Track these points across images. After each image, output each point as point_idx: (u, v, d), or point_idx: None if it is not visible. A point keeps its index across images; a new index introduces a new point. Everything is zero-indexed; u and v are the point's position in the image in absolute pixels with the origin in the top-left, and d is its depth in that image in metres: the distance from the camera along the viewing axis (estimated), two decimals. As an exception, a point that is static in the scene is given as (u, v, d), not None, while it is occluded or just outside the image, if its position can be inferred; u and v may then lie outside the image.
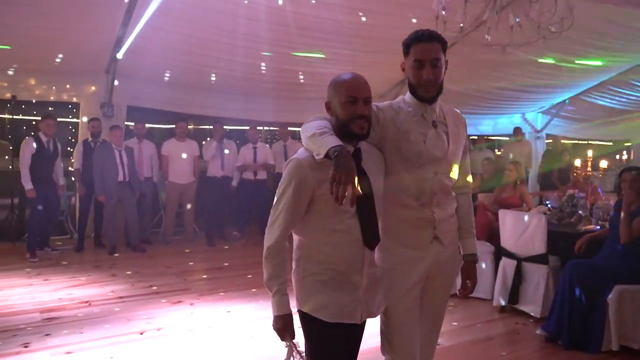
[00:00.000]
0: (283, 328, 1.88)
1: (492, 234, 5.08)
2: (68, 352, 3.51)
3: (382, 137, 2.04)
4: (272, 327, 1.91)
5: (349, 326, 1.90)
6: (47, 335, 3.82)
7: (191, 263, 6.37)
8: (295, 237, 1.98)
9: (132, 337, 3.82)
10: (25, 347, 3.59)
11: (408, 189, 2.06)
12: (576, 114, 11.23)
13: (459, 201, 2.24)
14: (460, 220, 2.24)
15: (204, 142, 8.18)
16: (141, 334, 3.90)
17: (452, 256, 2.20)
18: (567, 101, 10.69)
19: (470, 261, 2.27)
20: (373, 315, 2.00)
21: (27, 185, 6.20)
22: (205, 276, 5.72)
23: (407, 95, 2.11)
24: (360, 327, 1.98)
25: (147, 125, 7.97)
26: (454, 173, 2.15)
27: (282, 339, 1.90)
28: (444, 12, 4.65)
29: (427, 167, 2.05)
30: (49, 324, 4.07)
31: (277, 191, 1.91)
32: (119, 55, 6.77)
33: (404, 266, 2.08)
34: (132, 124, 7.81)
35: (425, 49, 1.99)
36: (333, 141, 1.79)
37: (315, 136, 1.85)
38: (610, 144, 14.04)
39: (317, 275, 1.91)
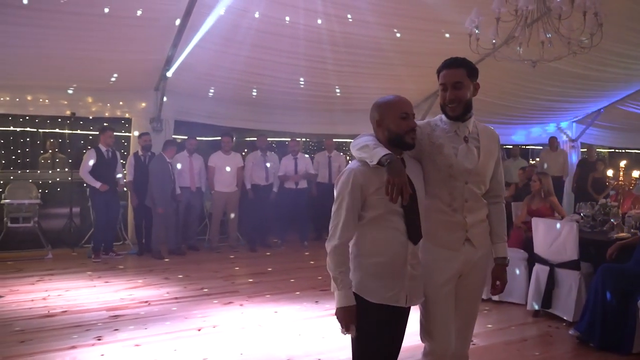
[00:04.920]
0: (348, 319, 2.15)
1: (526, 243, 5.27)
2: (137, 345, 3.92)
3: (419, 150, 2.36)
4: (336, 318, 2.16)
5: (394, 309, 2.20)
6: (116, 330, 4.25)
7: (237, 268, 6.77)
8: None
9: (191, 333, 4.20)
10: (99, 339, 4.02)
11: (442, 196, 2.37)
12: (612, 122, 11.23)
13: (492, 210, 2.50)
14: (493, 227, 2.50)
15: (245, 151, 8.58)
16: (199, 330, 4.28)
17: (484, 257, 2.46)
18: (602, 110, 10.71)
19: (501, 264, 2.52)
20: (414, 303, 2.29)
21: (96, 184, 6.84)
22: (251, 280, 6.09)
23: (443, 115, 2.43)
24: (405, 311, 2.27)
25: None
26: (485, 183, 2.43)
27: (347, 330, 2.17)
28: (477, 31, 4.93)
29: (458, 177, 2.35)
30: (115, 320, 4.51)
31: (335, 199, 2.21)
32: (169, 74, 7.28)
33: (439, 264, 2.36)
34: (178, 137, 8.31)
35: (448, 74, 2.34)
36: (384, 151, 2.15)
37: (368, 147, 2.20)
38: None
39: (368, 264, 2.20)
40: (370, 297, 2.18)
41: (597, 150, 11.68)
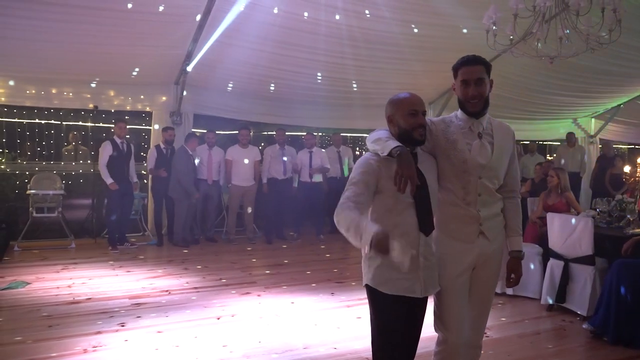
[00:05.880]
0: None
1: (541, 238, 5.30)
2: (159, 332, 4.06)
3: (434, 146, 2.45)
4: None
5: (410, 299, 2.27)
6: (138, 317, 4.40)
7: (254, 260, 6.91)
8: None
9: (210, 321, 4.33)
10: (122, 326, 4.17)
11: (456, 190, 2.44)
12: (632, 118, 11.10)
13: (506, 204, 2.56)
14: (507, 221, 2.57)
15: (262, 145, 8.71)
16: (218, 318, 4.41)
17: (497, 250, 2.53)
18: (621, 106, 10.60)
19: (516, 257, 2.57)
20: (430, 293, 2.36)
21: (108, 180, 7.07)
22: (268, 271, 6.22)
23: (459, 111, 2.51)
24: (422, 301, 2.34)
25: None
26: (499, 178, 2.50)
27: None
28: (494, 27, 4.95)
29: (471, 172, 2.42)
30: (138, 308, 4.66)
31: (348, 181, 2.28)
32: (189, 68, 7.41)
33: (453, 256, 2.44)
34: (197, 130, 8.47)
35: (469, 71, 2.40)
36: (395, 143, 2.23)
37: (381, 140, 2.30)
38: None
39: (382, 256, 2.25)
40: (386, 289, 2.25)
41: (617, 146, 11.56)
